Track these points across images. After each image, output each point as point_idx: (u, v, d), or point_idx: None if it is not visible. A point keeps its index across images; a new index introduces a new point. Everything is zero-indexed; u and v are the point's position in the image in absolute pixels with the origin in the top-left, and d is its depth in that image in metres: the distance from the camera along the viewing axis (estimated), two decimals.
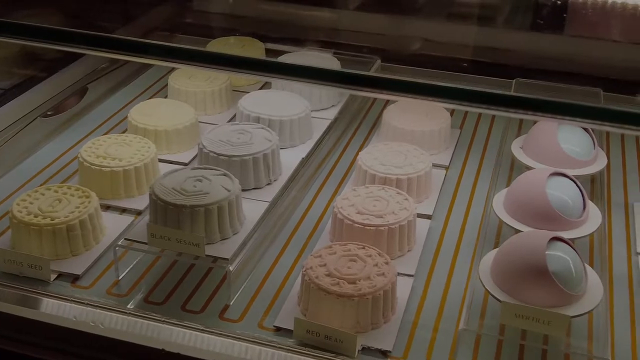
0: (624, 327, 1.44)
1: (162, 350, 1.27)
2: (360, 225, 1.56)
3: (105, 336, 1.35)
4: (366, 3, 2.49)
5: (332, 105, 2.05)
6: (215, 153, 1.63)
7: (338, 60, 2.12)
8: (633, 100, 2.21)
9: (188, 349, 1.27)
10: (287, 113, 1.83)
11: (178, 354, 1.29)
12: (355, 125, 2.15)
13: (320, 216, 1.74)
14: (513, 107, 1.15)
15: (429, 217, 1.74)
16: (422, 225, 1.70)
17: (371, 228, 1.55)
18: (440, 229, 1.72)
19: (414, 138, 1.95)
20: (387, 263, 1.44)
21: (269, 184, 1.69)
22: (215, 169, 1.55)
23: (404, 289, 1.50)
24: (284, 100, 1.88)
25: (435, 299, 1.49)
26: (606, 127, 1.20)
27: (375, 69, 2.30)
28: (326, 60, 2.07)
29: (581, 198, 1.60)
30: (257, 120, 1.81)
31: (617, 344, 1.40)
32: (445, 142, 2.02)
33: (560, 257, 1.36)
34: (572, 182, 1.61)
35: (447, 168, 1.95)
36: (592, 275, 1.42)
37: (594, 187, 1.82)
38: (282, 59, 2.07)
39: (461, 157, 2.01)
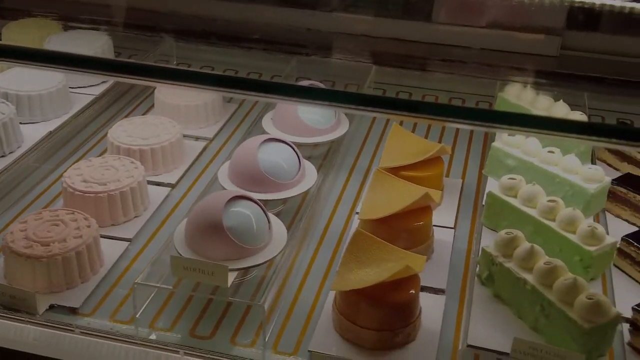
0: (315, 279, 1.54)
1: None
2: (80, 193, 1.62)
3: None
4: None
5: (103, 82, 2.11)
6: None
7: (112, 38, 2.19)
8: (403, 74, 2.35)
9: None
10: (38, 88, 1.88)
11: None
12: (137, 103, 2.22)
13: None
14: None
15: (171, 185, 1.82)
16: (161, 193, 1.78)
17: (90, 195, 1.62)
18: (179, 197, 1.80)
19: (181, 112, 2.03)
20: (89, 226, 1.51)
21: (2, 156, 1.74)
22: None
23: (116, 251, 1.58)
24: (41, 75, 1.93)
25: (145, 261, 1.57)
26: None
27: (168, 46, 2.37)
28: (93, 39, 2.13)
29: (297, 162, 1.70)
30: (5, 96, 1.86)
31: (303, 293, 1.51)
32: (215, 115, 2.09)
33: (239, 214, 1.45)
34: (288, 147, 1.71)
35: (210, 140, 2.03)
36: (281, 232, 1.52)
37: (338, 152, 1.93)
38: (51, 38, 2.12)
39: (230, 130, 2.10)
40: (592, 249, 1.38)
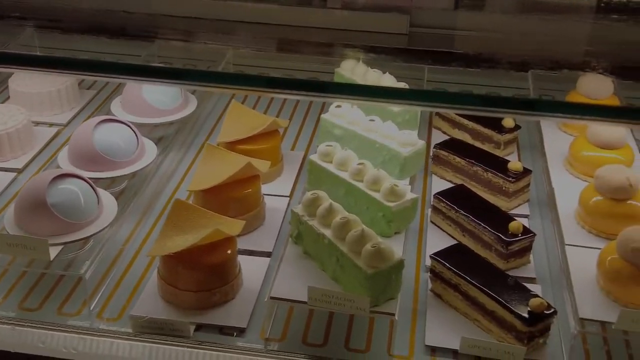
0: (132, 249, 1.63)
1: None
2: None
3: None
4: None
5: None
6: None
7: None
8: (262, 56, 2.45)
9: None
10: None
11: None
12: None
13: None
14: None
15: (17, 170, 1.86)
16: (6, 178, 1.82)
17: None
18: (24, 181, 1.83)
19: (34, 100, 2.06)
20: None
21: None
22: None
23: None
24: None
25: None
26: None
27: (29, 36, 2.39)
28: None
29: (135, 141, 1.77)
30: None
31: (136, 263, 1.58)
32: (70, 102, 2.13)
33: (64, 191, 1.51)
34: (125, 127, 1.77)
35: (64, 126, 2.07)
36: (112, 208, 1.59)
37: (189, 131, 2.01)
38: None
39: (85, 116, 2.13)
40: (391, 204, 1.50)
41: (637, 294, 1.36)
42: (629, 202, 1.54)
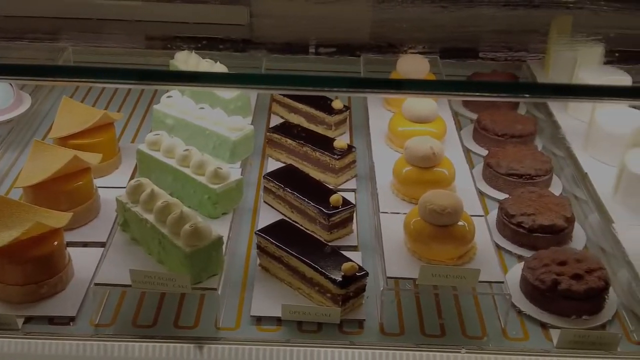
0: None
1: None
2: None
3: None
4: None
5: None
6: None
7: None
8: (101, 51, 2.45)
9: None
10: None
11: None
12: None
13: None
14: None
15: None
16: None
17: None
18: None
19: None
20: None
21: None
22: None
23: None
24: None
25: None
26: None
27: None
28: None
29: None
30: None
31: None
32: None
33: None
34: None
35: None
36: None
37: (25, 130, 2.00)
38: None
39: None
40: (215, 187, 1.58)
41: (437, 251, 1.51)
42: (434, 169, 1.69)
